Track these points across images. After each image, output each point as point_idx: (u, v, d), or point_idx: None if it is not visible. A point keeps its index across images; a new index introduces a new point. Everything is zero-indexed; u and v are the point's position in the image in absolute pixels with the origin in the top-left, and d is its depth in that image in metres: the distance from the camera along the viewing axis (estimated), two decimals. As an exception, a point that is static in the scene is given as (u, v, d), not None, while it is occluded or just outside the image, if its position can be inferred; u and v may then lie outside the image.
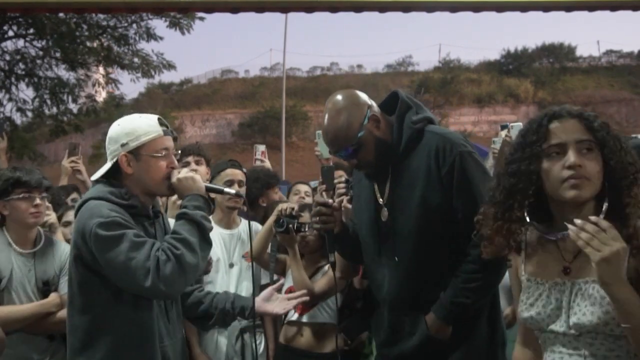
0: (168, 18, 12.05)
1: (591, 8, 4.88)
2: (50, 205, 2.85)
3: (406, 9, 4.77)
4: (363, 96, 2.16)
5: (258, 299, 2.23)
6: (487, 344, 2.14)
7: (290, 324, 2.86)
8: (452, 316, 2.07)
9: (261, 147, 4.31)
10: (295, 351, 2.81)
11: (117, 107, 14.84)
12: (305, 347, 2.79)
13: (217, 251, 2.91)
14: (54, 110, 13.14)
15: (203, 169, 3.29)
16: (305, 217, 2.80)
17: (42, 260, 2.55)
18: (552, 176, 1.50)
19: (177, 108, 36.04)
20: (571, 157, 1.47)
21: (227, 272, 2.96)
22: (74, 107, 13.36)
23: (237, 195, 2.40)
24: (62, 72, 13.12)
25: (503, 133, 3.82)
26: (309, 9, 4.80)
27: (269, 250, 3.00)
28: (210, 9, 5.03)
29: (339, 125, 2.09)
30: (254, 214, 3.37)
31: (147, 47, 45.49)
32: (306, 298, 2.36)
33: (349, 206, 2.49)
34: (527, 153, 1.52)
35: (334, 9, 4.77)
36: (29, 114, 13.22)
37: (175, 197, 2.61)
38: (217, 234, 2.89)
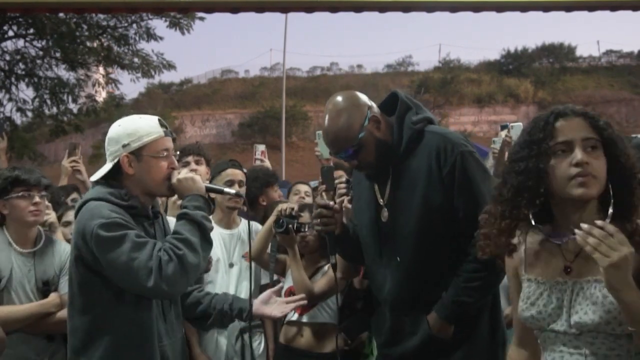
0: (168, 18, 12.04)
1: (591, 8, 4.89)
2: (50, 204, 2.84)
3: (406, 9, 4.78)
4: (363, 97, 2.16)
5: (256, 302, 2.23)
6: (488, 344, 2.14)
7: (290, 324, 2.85)
8: (454, 315, 2.07)
9: (261, 147, 4.32)
10: (296, 351, 2.80)
11: (117, 107, 14.82)
12: (305, 347, 2.78)
13: (217, 251, 2.91)
14: (54, 110, 13.12)
15: (203, 168, 3.29)
16: (305, 217, 2.80)
17: (42, 260, 2.54)
18: (559, 174, 1.49)
19: (177, 108, 36.04)
20: (578, 154, 1.47)
21: (227, 272, 2.97)
22: (74, 107, 13.37)
23: (237, 195, 2.41)
24: (62, 72, 13.13)
25: (503, 133, 3.83)
26: (309, 9, 4.81)
27: (268, 250, 3.01)
28: (210, 9, 5.04)
29: (339, 127, 2.09)
30: (254, 214, 3.37)
31: (147, 47, 45.40)
32: (304, 302, 2.35)
33: (350, 206, 2.49)
34: (535, 151, 1.51)
35: (334, 9, 4.78)
36: (29, 114, 13.21)
37: (175, 197, 2.61)
38: (217, 234, 2.89)
